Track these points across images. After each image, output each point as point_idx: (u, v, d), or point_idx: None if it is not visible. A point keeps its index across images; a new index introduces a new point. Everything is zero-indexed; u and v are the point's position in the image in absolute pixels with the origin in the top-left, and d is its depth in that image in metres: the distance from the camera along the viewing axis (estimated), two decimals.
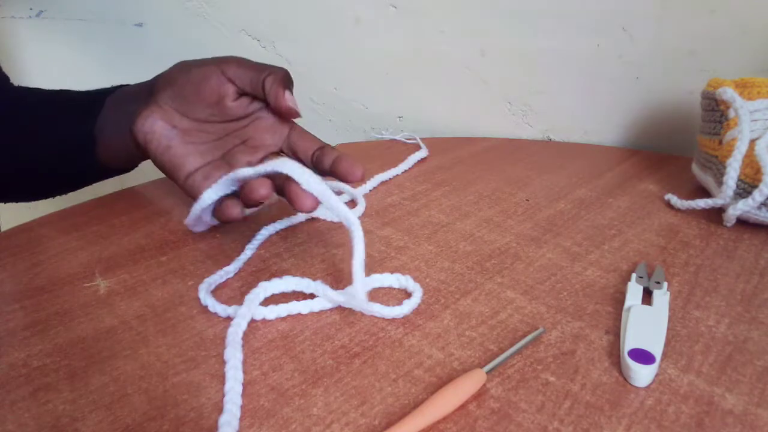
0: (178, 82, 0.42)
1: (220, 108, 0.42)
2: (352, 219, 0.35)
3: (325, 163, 0.40)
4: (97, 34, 0.78)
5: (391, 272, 0.39)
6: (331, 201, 0.35)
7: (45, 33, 0.79)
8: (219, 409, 0.28)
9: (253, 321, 0.34)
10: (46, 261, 0.39)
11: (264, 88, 0.41)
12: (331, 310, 0.36)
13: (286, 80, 0.41)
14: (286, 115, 0.42)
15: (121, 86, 0.49)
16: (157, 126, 0.42)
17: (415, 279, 0.39)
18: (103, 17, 0.77)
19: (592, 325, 0.34)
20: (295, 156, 0.43)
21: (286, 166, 0.36)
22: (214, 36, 0.74)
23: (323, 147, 0.42)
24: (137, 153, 0.45)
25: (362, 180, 0.41)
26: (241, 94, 0.42)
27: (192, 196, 0.42)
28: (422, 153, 0.62)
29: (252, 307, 0.34)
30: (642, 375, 0.29)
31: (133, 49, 0.78)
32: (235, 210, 0.38)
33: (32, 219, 0.48)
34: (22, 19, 0.78)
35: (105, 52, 0.80)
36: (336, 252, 0.42)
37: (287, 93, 0.41)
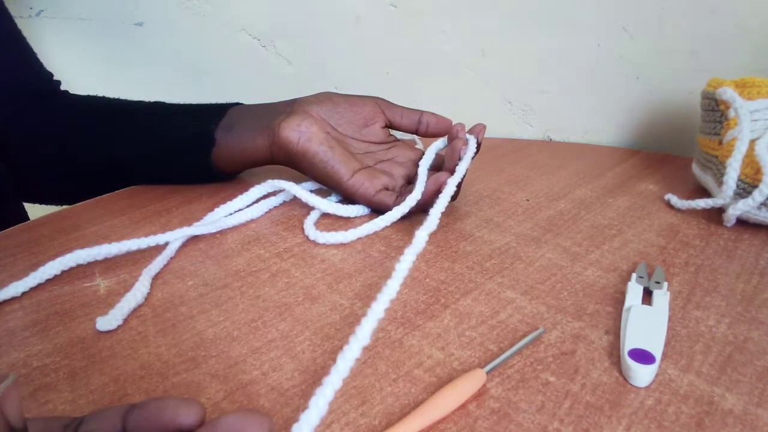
0: (333, 99, 0.48)
1: (368, 130, 0.49)
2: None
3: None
4: (97, 34, 0.78)
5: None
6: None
7: (45, 32, 0.79)
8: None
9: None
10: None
11: (421, 119, 0.49)
12: (331, 309, 0.36)
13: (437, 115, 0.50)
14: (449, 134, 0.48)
15: (237, 103, 0.51)
16: (314, 128, 0.46)
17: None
18: (103, 17, 0.77)
19: (592, 325, 0.34)
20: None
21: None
22: (214, 35, 0.74)
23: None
24: (262, 158, 0.48)
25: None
26: (386, 126, 0.50)
27: (354, 194, 0.46)
28: None
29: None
30: (642, 375, 0.29)
31: (133, 48, 0.78)
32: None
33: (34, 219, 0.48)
34: (22, 18, 0.78)
35: (105, 52, 0.80)
36: (336, 252, 0.42)
37: (443, 118, 0.50)
